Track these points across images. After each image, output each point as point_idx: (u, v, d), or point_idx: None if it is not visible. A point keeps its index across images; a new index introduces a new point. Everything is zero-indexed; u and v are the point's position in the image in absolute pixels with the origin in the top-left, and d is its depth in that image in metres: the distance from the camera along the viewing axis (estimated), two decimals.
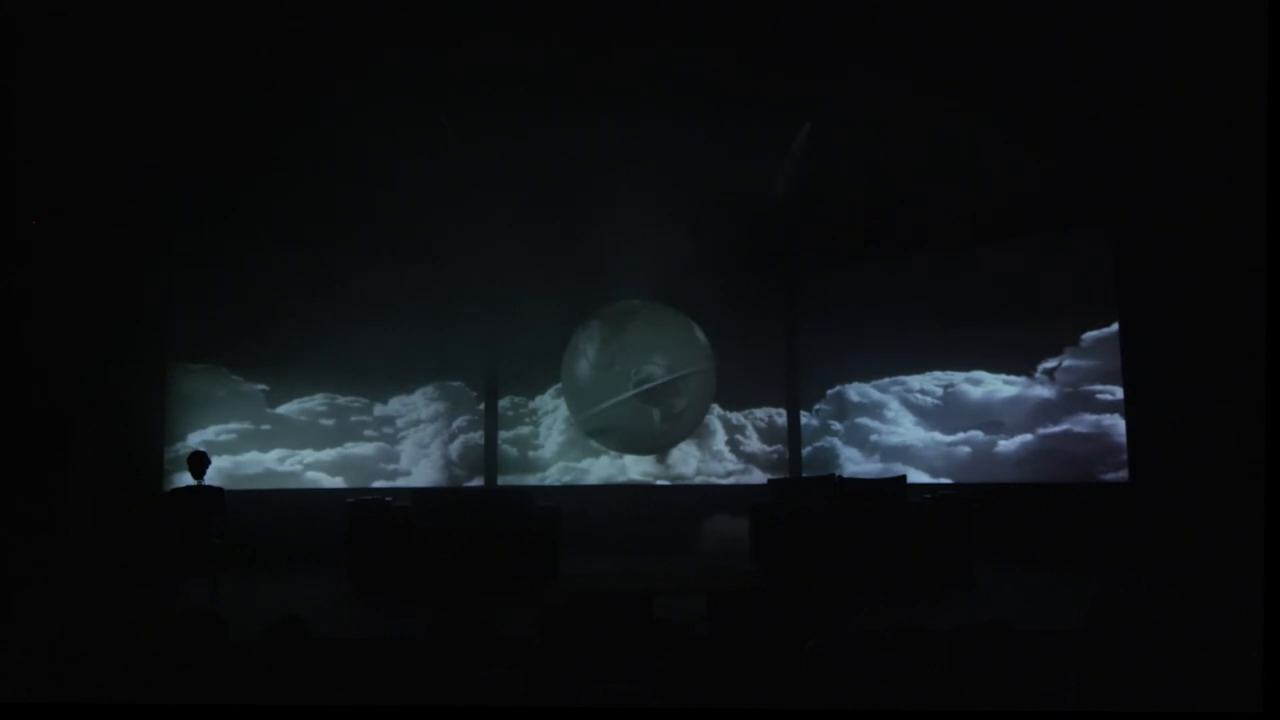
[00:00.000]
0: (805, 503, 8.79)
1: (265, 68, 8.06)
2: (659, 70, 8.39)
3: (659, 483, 11.83)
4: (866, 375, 11.47)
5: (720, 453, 12.06)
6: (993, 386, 10.54)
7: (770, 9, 7.66)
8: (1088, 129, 8.81)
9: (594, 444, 11.90)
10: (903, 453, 11.10)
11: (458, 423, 11.57)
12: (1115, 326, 9.69)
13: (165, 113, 8.44)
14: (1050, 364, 10.10)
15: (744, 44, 8.08)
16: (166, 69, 8.00)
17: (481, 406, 11.73)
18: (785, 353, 12.11)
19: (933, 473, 10.81)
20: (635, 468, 11.97)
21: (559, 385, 11.93)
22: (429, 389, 11.42)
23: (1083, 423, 9.85)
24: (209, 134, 8.90)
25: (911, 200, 10.24)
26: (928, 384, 11.03)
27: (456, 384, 11.62)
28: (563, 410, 11.93)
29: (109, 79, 7.87)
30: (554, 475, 11.84)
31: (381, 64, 8.10)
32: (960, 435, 10.72)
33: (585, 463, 11.93)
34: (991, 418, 10.52)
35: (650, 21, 7.75)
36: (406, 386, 11.26)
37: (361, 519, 8.47)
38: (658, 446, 11.85)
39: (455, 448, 11.53)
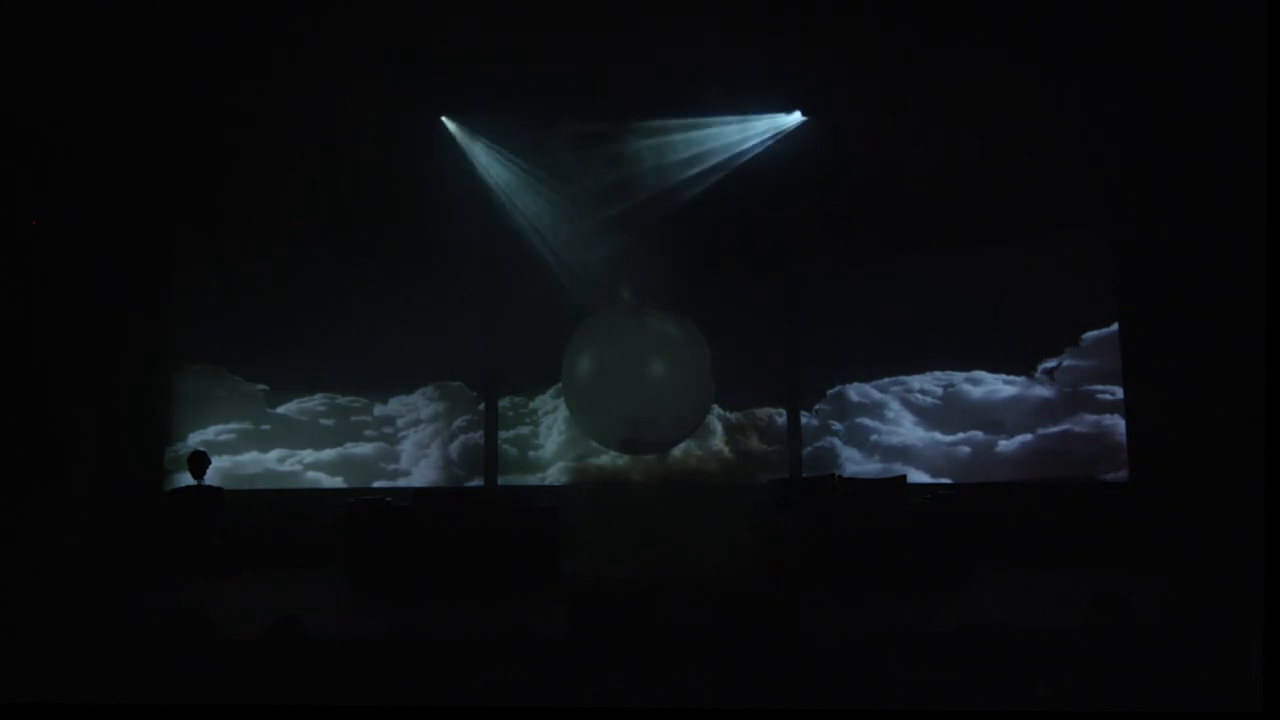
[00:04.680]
0: (805, 503, 8.79)
1: (266, 68, 8.06)
2: (658, 69, 8.40)
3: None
4: (866, 375, 11.46)
5: (720, 453, 12.05)
6: (993, 386, 10.54)
7: (770, 7, 7.67)
8: (1088, 129, 8.82)
9: (595, 443, 11.88)
10: (903, 453, 11.09)
11: (458, 423, 11.57)
12: (1115, 326, 9.69)
13: (166, 113, 8.45)
14: (1050, 364, 10.10)
15: (743, 43, 8.09)
16: (169, 69, 8.00)
17: (481, 406, 11.73)
18: (785, 353, 12.10)
19: (933, 473, 10.81)
20: (634, 468, 11.96)
21: (559, 385, 11.92)
22: (429, 389, 11.41)
23: (1083, 423, 9.85)
24: (210, 134, 8.90)
25: (911, 200, 10.24)
26: (928, 384, 11.03)
27: (456, 384, 11.61)
28: (563, 410, 11.92)
29: (111, 79, 7.87)
30: (554, 475, 11.83)
31: (382, 63, 8.11)
32: (960, 435, 10.72)
33: (585, 463, 11.92)
34: (991, 418, 10.51)
35: (650, 21, 7.76)
36: (406, 386, 11.26)
37: (362, 519, 8.47)
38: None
39: (455, 448, 11.53)
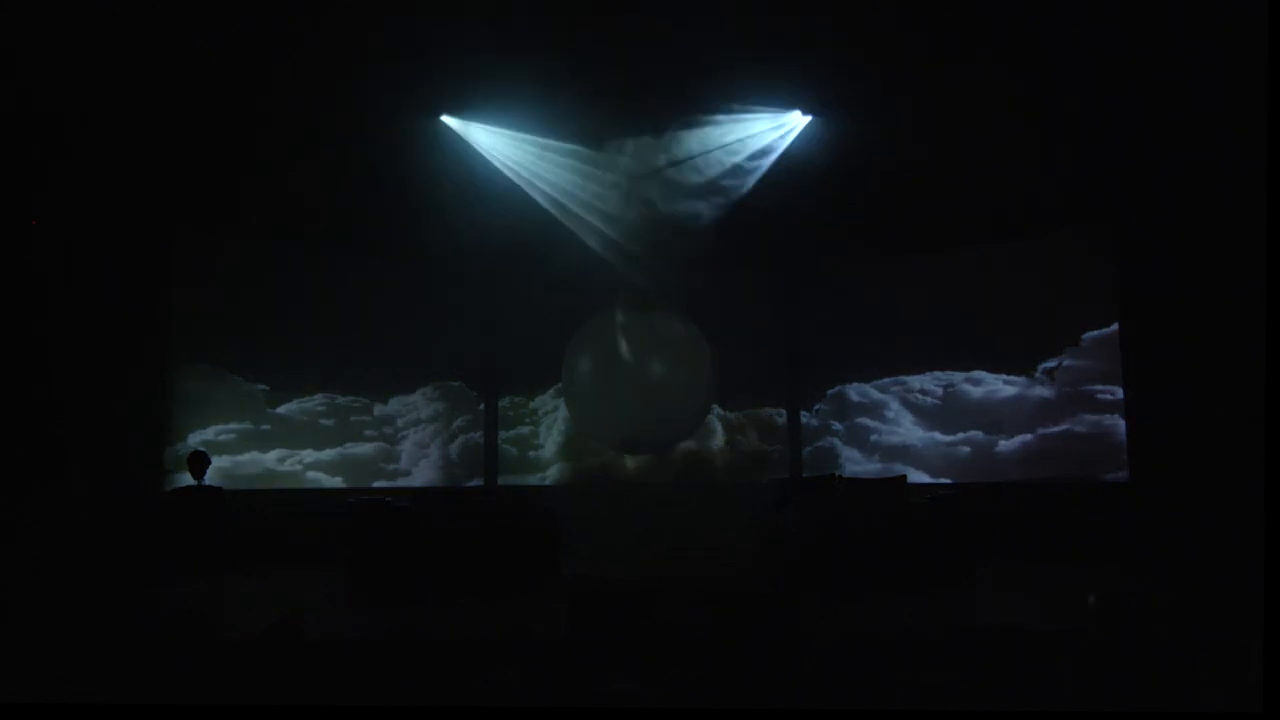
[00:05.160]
0: (805, 503, 8.79)
1: (267, 68, 8.07)
2: (657, 67, 8.40)
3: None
4: (866, 375, 11.46)
5: (720, 453, 12.06)
6: (993, 386, 10.54)
7: (772, 8, 7.67)
8: (1088, 129, 8.81)
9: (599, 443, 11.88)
10: (903, 453, 11.09)
11: (458, 423, 11.57)
12: (1115, 326, 9.69)
13: (166, 113, 8.45)
14: (1050, 364, 10.10)
15: (746, 42, 8.09)
16: (169, 69, 8.00)
17: (481, 407, 11.73)
18: (785, 353, 12.10)
19: (933, 473, 10.81)
20: (634, 467, 11.96)
21: (559, 385, 11.92)
22: (429, 389, 11.41)
23: (1083, 423, 9.84)
24: (210, 134, 8.90)
25: (912, 200, 10.24)
26: (928, 384, 11.03)
27: (456, 384, 11.61)
28: (563, 410, 11.93)
29: (111, 79, 7.87)
30: (554, 475, 11.83)
31: (382, 62, 8.11)
32: (960, 435, 10.72)
33: (585, 462, 11.92)
34: (991, 418, 10.51)
35: (652, 21, 7.76)
36: (406, 386, 11.25)
37: (362, 519, 8.46)
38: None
39: (455, 448, 11.53)
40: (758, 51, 8.25)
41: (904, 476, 9.27)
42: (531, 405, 11.96)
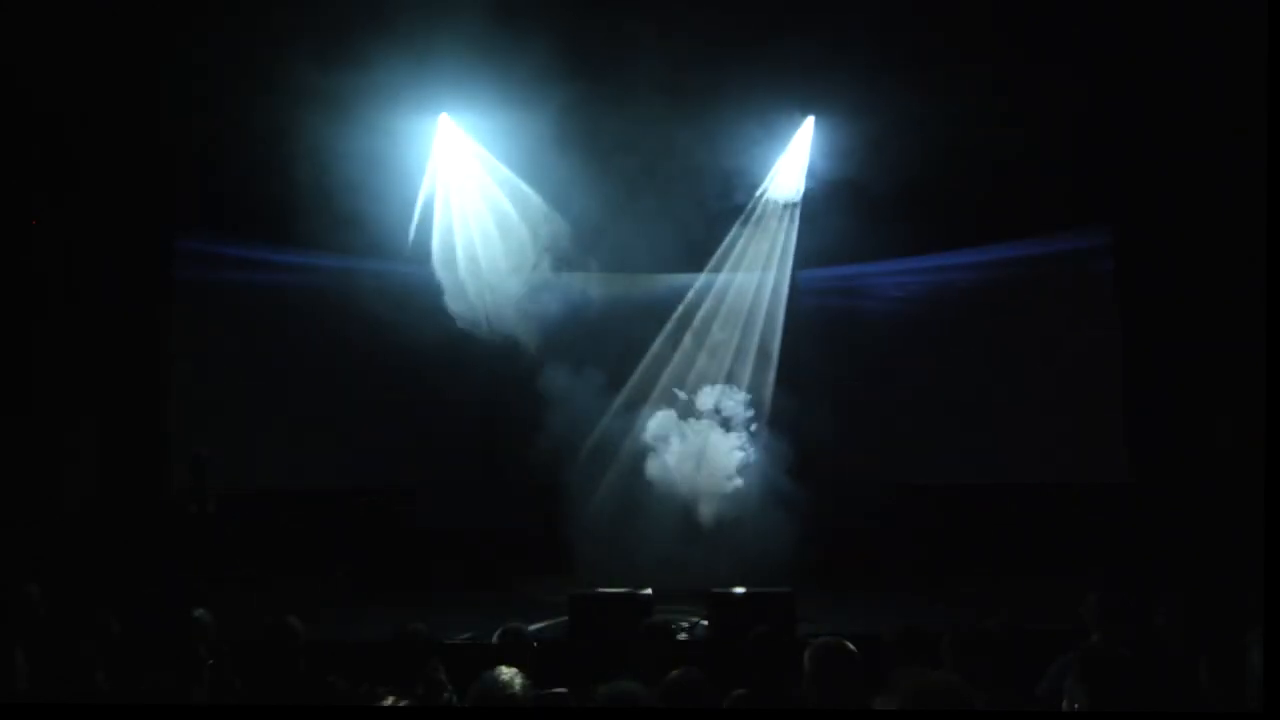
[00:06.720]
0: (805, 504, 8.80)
1: (267, 67, 8.07)
2: (656, 66, 8.38)
3: None
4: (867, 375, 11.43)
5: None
6: (993, 386, 10.51)
7: (769, 6, 7.67)
8: (1088, 128, 8.82)
9: None
10: (903, 452, 11.05)
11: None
12: (1115, 327, 9.68)
13: (166, 112, 8.45)
14: (1049, 364, 10.08)
15: (743, 39, 8.09)
16: (168, 68, 8.01)
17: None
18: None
19: (933, 473, 10.78)
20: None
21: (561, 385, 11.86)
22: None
23: (1083, 423, 9.83)
24: (211, 133, 8.90)
25: (911, 199, 10.22)
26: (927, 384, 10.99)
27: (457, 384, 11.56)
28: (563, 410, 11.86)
29: (110, 78, 7.88)
30: (555, 477, 11.77)
31: (383, 61, 8.11)
32: (960, 435, 10.69)
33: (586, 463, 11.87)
34: (991, 418, 10.49)
35: (650, 19, 7.77)
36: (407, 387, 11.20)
37: (362, 519, 8.48)
38: None
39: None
40: (754, 49, 8.24)
41: (902, 480, 9.27)
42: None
